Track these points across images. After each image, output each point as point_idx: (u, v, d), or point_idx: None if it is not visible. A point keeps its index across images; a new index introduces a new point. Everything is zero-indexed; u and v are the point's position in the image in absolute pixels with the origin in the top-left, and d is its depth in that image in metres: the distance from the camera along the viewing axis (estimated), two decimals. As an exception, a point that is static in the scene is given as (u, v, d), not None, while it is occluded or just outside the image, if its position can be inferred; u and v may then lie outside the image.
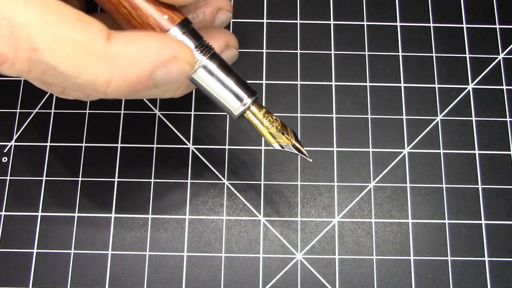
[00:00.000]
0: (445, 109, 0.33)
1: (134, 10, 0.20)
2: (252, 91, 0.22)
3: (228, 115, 0.32)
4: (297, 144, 0.24)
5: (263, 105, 0.32)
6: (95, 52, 0.18)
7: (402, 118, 0.32)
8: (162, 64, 0.19)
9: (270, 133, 0.23)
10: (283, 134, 0.24)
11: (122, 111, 0.32)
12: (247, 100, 0.22)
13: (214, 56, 0.22)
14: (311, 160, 0.26)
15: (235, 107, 0.22)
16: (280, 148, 0.24)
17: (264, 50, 0.34)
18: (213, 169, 0.31)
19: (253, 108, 0.23)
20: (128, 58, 0.18)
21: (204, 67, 0.21)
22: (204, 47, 0.21)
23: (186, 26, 0.21)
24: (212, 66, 0.21)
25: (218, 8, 0.24)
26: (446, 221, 0.30)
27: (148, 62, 0.19)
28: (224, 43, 0.23)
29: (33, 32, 0.17)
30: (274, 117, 0.23)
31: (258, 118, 0.23)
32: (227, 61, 0.24)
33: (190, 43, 0.21)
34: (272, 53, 0.34)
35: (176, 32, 0.21)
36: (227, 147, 0.32)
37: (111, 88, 0.19)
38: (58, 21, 0.18)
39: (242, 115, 0.23)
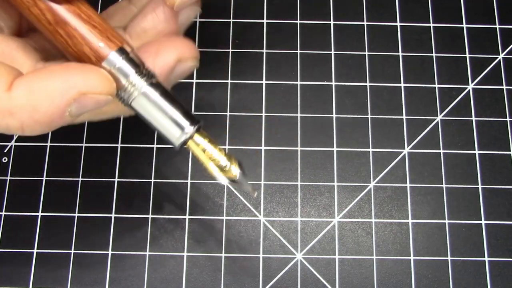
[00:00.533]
0: (445, 109, 0.33)
1: (70, 38, 0.20)
2: (194, 120, 0.21)
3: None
4: (241, 179, 0.22)
5: (264, 105, 0.32)
6: None
7: (402, 118, 0.32)
8: (71, 102, 0.18)
9: (212, 165, 0.22)
10: (225, 166, 0.22)
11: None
12: (189, 129, 0.21)
13: (155, 83, 0.21)
14: (255, 196, 0.25)
15: (176, 136, 0.21)
16: (224, 182, 0.22)
17: (264, 50, 0.34)
18: (213, 169, 0.31)
19: (197, 137, 0.21)
20: (31, 106, 0.18)
21: (144, 94, 0.20)
22: (145, 74, 0.20)
23: (126, 52, 0.20)
24: (153, 93, 0.20)
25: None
26: (446, 221, 0.30)
27: (53, 106, 0.18)
28: (176, 58, 0.21)
29: None
30: (218, 148, 0.22)
31: (201, 149, 0.21)
32: (182, 75, 0.22)
33: (129, 69, 0.20)
34: (272, 53, 0.34)
35: (115, 58, 0.20)
36: (227, 147, 0.32)
37: (27, 132, 0.18)
38: None
39: (184, 144, 0.21)
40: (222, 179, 0.22)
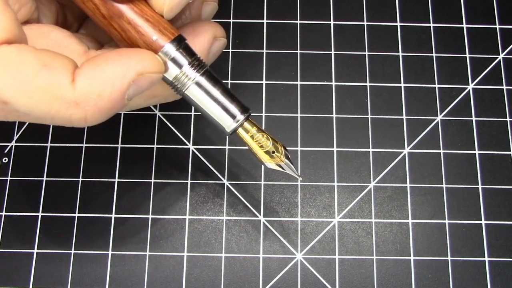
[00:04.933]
0: (445, 109, 0.33)
1: (124, 32, 0.21)
2: (245, 108, 0.22)
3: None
4: (287, 164, 0.24)
5: (264, 105, 0.32)
6: (63, 97, 0.18)
7: (402, 118, 0.32)
8: (130, 84, 0.19)
9: (261, 151, 0.24)
10: (273, 152, 0.24)
11: (122, 111, 0.32)
12: (240, 117, 0.22)
13: (208, 73, 0.22)
14: (301, 179, 0.26)
15: (228, 124, 0.22)
16: (273, 167, 0.24)
17: (264, 50, 0.34)
18: (213, 169, 0.31)
19: (246, 125, 0.23)
20: (96, 93, 0.19)
21: (197, 84, 0.21)
22: (197, 64, 0.21)
23: (180, 43, 0.21)
24: (205, 83, 0.22)
25: (203, 1, 0.24)
26: (446, 221, 0.30)
27: (116, 90, 0.19)
28: (212, 36, 0.23)
29: None
30: (266, 135, 0.24)
31: (250, 136, 0.23)
32: (218, 51, 0.24)
33: (183, 60, 0.21)
34: (272, 53, 0.34)
35: (169, 49, 0.21)
36: (227, 147, 0.32)
37: (89, 122, 0.19)
38: (21, 72, 0.18)
39: (234, 132, 0.23)
40: (270, 165, 0.24)
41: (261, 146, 0.23)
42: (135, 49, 0.20)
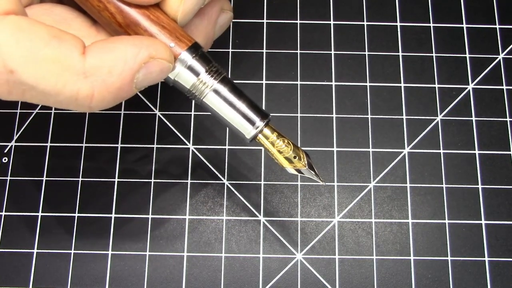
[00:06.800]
0: (445, 109, 0.33)
1: None
2: (264, 114, 0.22)
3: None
4: (308, 170, 0.24)
5: (264, 105, 0.32)
6: (72, 68, 0.18)
7: (402, 118, 0.32)
8: (141, 66, 0.19)
9: (282, 157, 0.23)
10: (295, 157, 0.23)
11: (122, 111, 0.32)
12: (259, 123, 0.22)
13: (225, 80, 0.21)
14: (324, 184, 0.26)
15: (247, 131, 0.22)
16: (294, 172, 0.24)
17: (264, 50, 0.34)
18: (213, 169, 0.31)
19: (266, 131, 0.22)
20: (107, 68, 0.18)
21: (215, 91, 0.21)
22: (214, 71, 0.21)
23: (196, 51, 0.21)
24: (223, 90, 0.21)
25: (220, 9, 0.24)
26: (446, 221, 0.30)
27: (127, 68, 0.19)
28: (219, 9, 0.23)
29: (7, 53, 0.17)
30: (286, 140, 0.23)
31: (270, 142, 0.23)
32: (225, 24, 0.24)
33: (200, 68, 0.21)
34: (272, 53, 0.34)
35: (186, 56, 0.20)
36: (227, 147, 0.32)
37: (95, 101, 0.19)
38: (31, 40, 0.18)
39: (254, 138, 0.22)
40: (291, 170, 0.23)
41: (282, 152, 0.23)
42: (147, 36, 0.20)
